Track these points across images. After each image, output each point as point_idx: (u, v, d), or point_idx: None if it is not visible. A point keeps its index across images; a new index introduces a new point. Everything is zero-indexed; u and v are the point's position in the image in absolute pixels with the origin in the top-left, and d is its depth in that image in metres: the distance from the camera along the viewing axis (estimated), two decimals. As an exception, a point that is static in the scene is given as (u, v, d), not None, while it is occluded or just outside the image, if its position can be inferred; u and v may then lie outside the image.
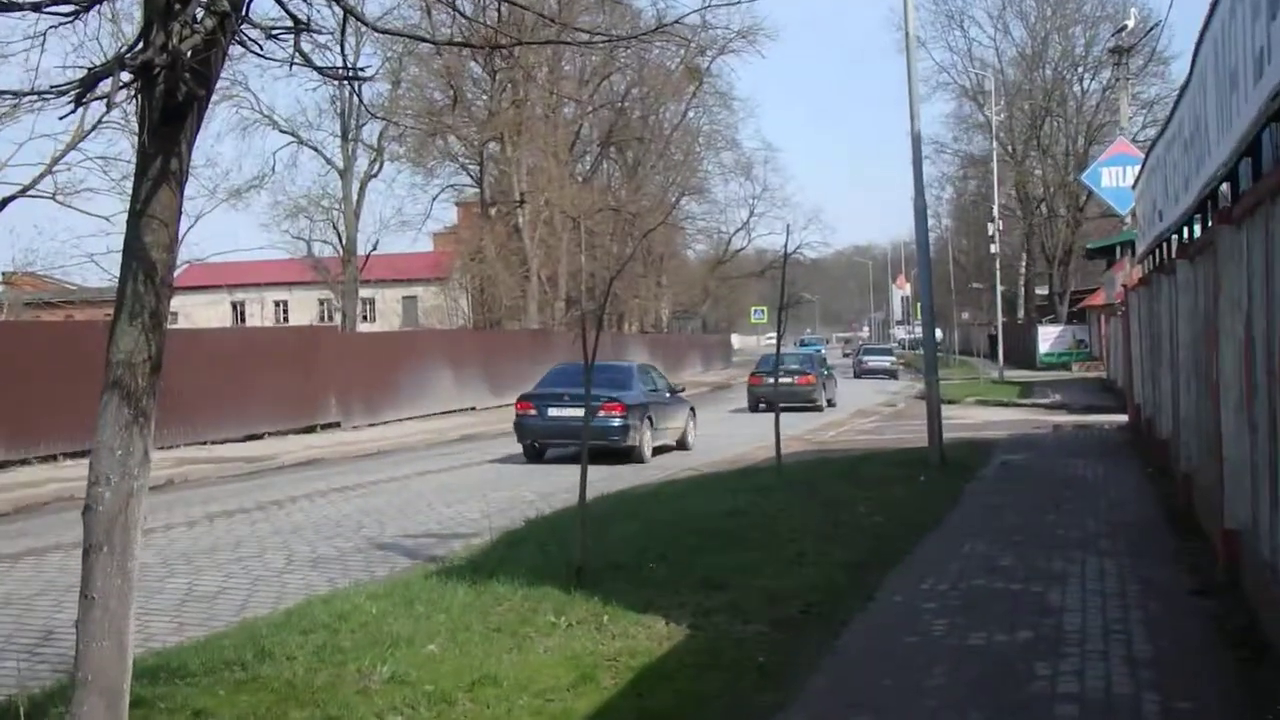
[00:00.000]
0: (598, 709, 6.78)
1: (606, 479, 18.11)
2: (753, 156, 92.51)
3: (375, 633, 8.31)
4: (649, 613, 8.97)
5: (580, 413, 21.81)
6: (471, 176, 55.92)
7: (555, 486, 17.99)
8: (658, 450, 23.63)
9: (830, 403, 39.80)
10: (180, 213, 5.16)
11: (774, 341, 19.79)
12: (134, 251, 5.00)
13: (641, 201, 66.23)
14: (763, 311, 78.29)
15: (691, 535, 12.26)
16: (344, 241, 50.83)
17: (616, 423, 21.85)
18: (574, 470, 11.31)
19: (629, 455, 22.14)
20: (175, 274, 5.32)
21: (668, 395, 24.81)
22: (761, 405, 37.25)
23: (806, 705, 6.88)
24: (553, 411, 22.49)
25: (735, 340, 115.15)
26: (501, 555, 11.31)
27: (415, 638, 8.14)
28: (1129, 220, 29.61)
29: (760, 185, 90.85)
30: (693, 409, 26.25)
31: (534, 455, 23.40)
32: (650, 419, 23.04)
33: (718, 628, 8.67)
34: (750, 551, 11.46)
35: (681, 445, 25.10)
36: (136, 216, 5.02)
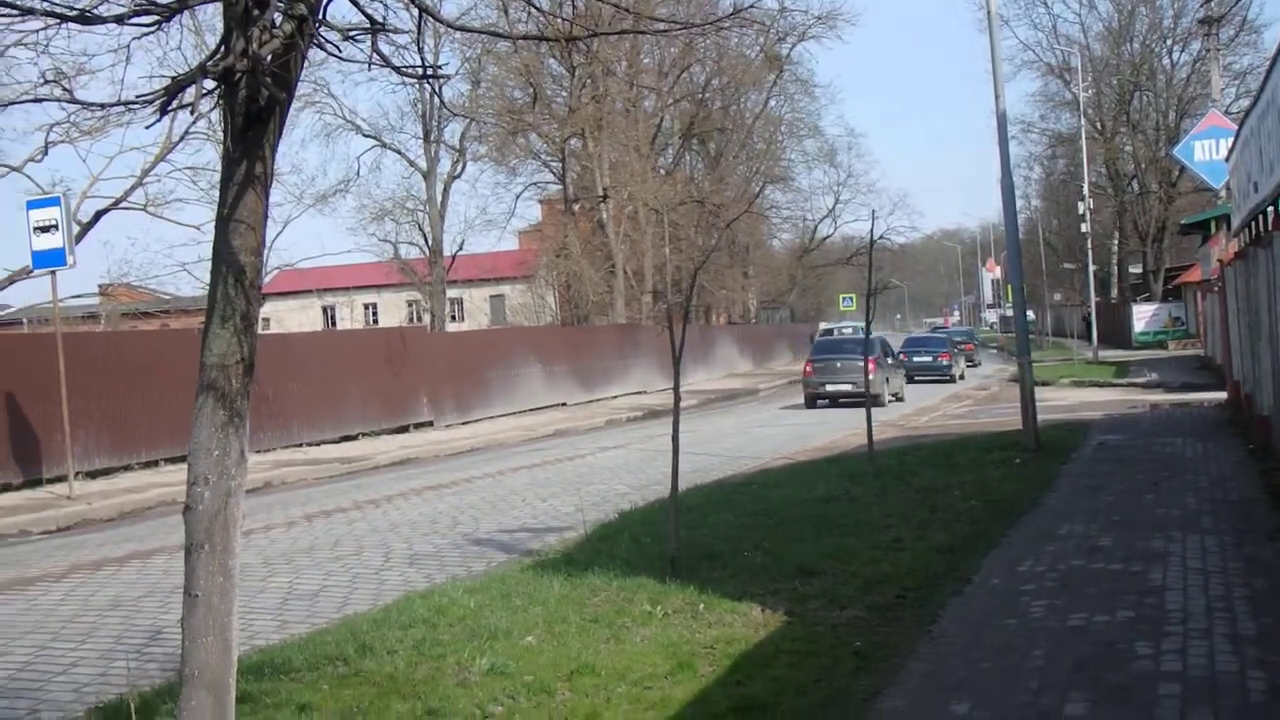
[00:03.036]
0: (695, 696, 6.79)
1: (699, 470, 18.11)
2: (836, 143, 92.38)
3: (473, 626, 8.39)
4: (744, 600, 8.97)
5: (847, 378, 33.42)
6: (554, 173, 56.10)
7: (648, 479, 18.03)
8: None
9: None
10: (266, 216, 5.22)
11: (843, 328, 19.78)
12: (223, 256, 5.07)
13: (725, 192, 66.13)
14: (851, 299, 77.79)
15: (785, 523, 12.24)
16: (430, 242, 51.19)
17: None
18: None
19: (876, 401, 30.55)
20: (266, 280, 5.40)
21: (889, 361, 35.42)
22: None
23: (905, 690, 6.85)
24: (828, 372, 34.71)
25: (824, 329, 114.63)
26: (596, 547, 11.36)
27: (513, 630, 8.21)
28: (1223, 194, 29.06)
29: (844, 172, 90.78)
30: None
31: (812, 404, 34.93)
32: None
33: (814, 614, 8.65)
34: (845, 538, 11.41)
35: (898, 397, 35.84)
36: (224, 222, 5.10)
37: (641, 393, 44.27)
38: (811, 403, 35.02)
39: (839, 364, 34.56)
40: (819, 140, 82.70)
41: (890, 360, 36.06)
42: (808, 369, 35.70)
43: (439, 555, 12.89)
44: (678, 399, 10.75)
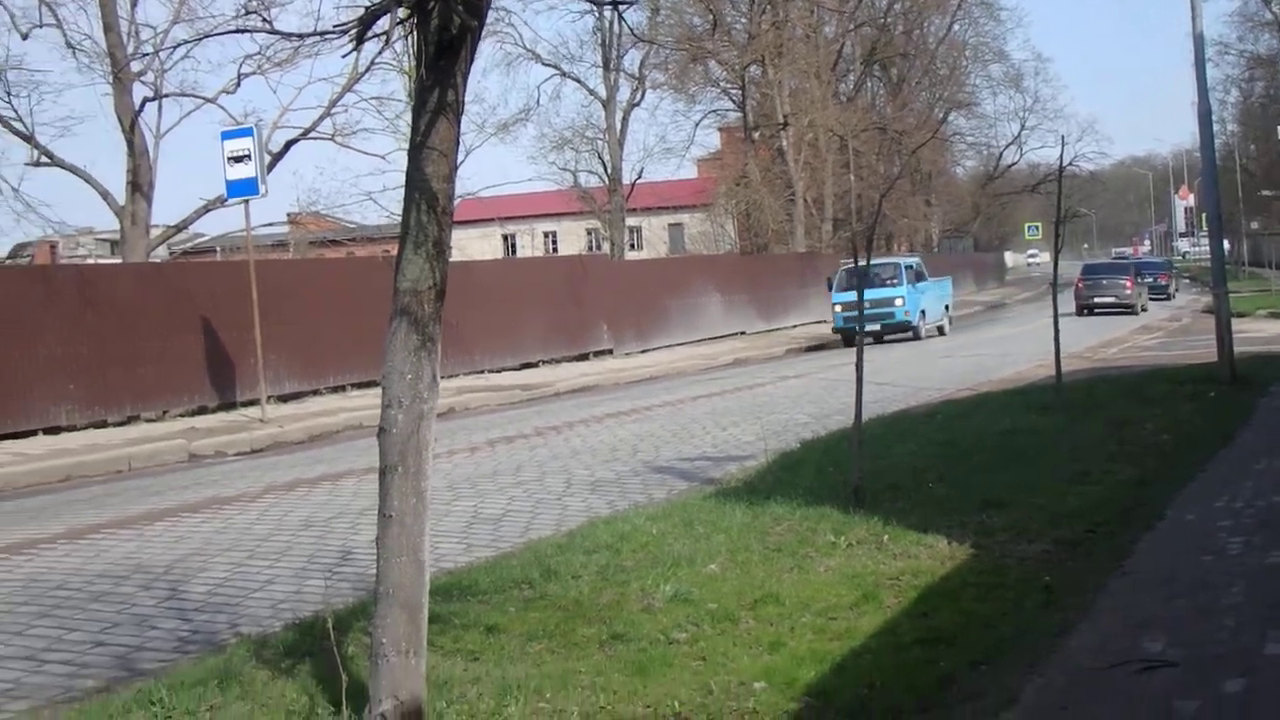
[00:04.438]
0: (881, 628, 6.73)
1: (881, 401, 17.92)
2: (1022, 68, 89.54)
3: (656, 553, 8.44)
4: (930, 532, 8.86)
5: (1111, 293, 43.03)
6: (733, 101, 55.75)
7: (829, 409, 17.91)
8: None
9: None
10: (458, 144, 5.26)
11: (1036, 259, 19.46)
12: (415, 183, 5.12)
13: (907, 119, 65.01)
14: (1036, 228, 76.05)
15: (970, 454, 12.04)
16: (609, 171, 51.35)
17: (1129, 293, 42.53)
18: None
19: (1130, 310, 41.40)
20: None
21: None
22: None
23: (1096, 625, 6.68)
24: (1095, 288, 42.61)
25: (1008, 258, 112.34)
26: (777, 477, 11.32)
27: (696, 557, 8.23)
28: None
29: (1031, 97, 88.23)
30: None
31: (1082, 312, 41.43)
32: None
33: (1001, 547, 8.50)
34: (1030, 471, 11.17)
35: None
36: (417, 149, 5.14)
37: (821, 322, 43.90)
38: (1081, 311, 41.99)
39: (1104, 282, 43.56)
40: (1004, 65, 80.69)
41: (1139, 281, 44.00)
42: (1079, 285, 43.87)
43: (620, 482, 12.97)
44: (861, 327, 10.63)
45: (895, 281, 35.50)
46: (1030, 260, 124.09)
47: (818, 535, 8.84)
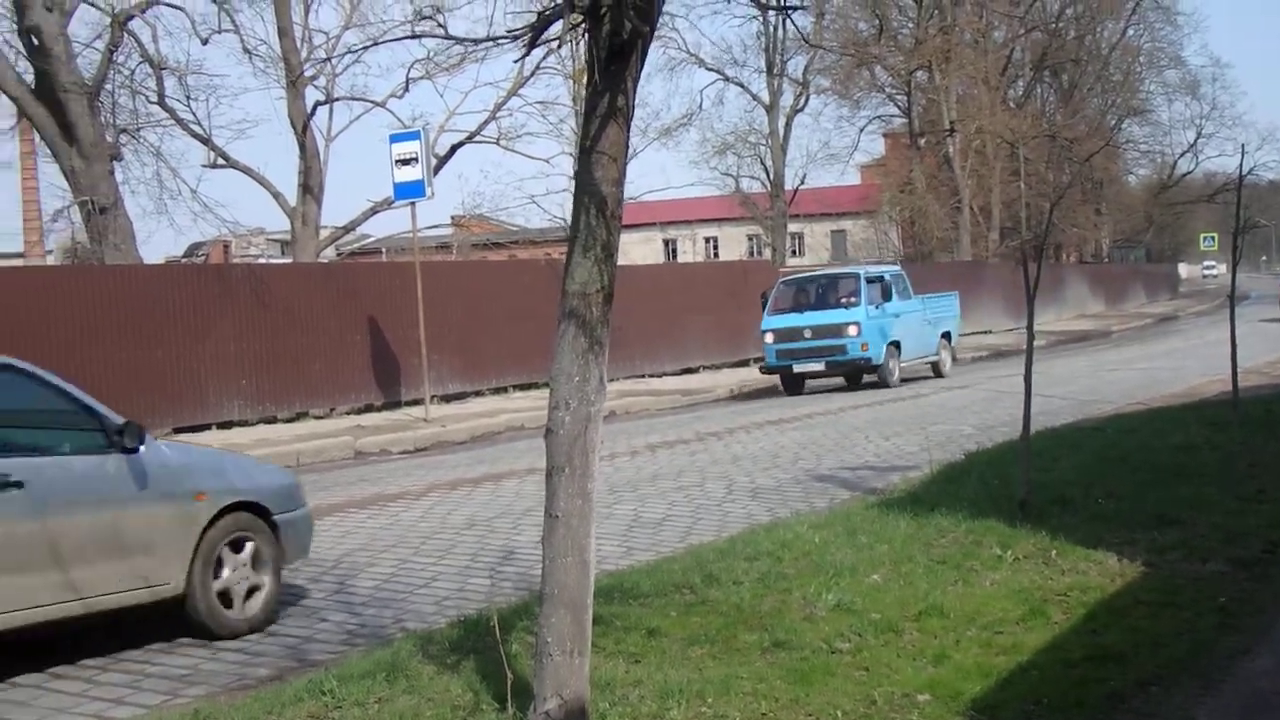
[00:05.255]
0: (1049, 643, 6.59)
1: (1048, 413, 17.57)
2: (1199, 74, 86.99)
3: (818, 561, 8.38)
4: (1099, 548, 8.64)
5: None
6: (899, 107, 55.19)
7: (995, 420, 17.61)
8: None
9: None
10: (627, 148, 5.29)
11: (1213, 271, 18.65)
12: (585, 186, 5.16)
13: (1078, 126, 63.62)
14: (1213, 239, 73.79)
15: (1140, 470, 11.72)
16: (771, 176, 51.22)
17: None
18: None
19: None
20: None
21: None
22: None
23: (1275, 649, 6.47)
24: None
25: (1182, 270, 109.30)
26: (942, 488, 11.15)
27: (858, 567, 8.16)
28: None
29: (1208, 104, 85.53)
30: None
31: None
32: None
33: (1172, 565, 8.25)
34: (1205, 488, 10.82)
35: None
36: (587, 153, 5.18)
37: (986, 332, 43.23)
38: None
39: None
40: (1180, 71, 78.37)
41: None
42: None
43: (781, 490, 12.92)
44: (1031, 338, 10.42)
45: (852, 301, 25.93)
46: (1206, 272, 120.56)
47: (983, 548, 8.69)
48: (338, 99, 30.43)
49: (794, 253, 65.23)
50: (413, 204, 20.92)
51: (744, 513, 11.67)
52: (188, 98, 28.54)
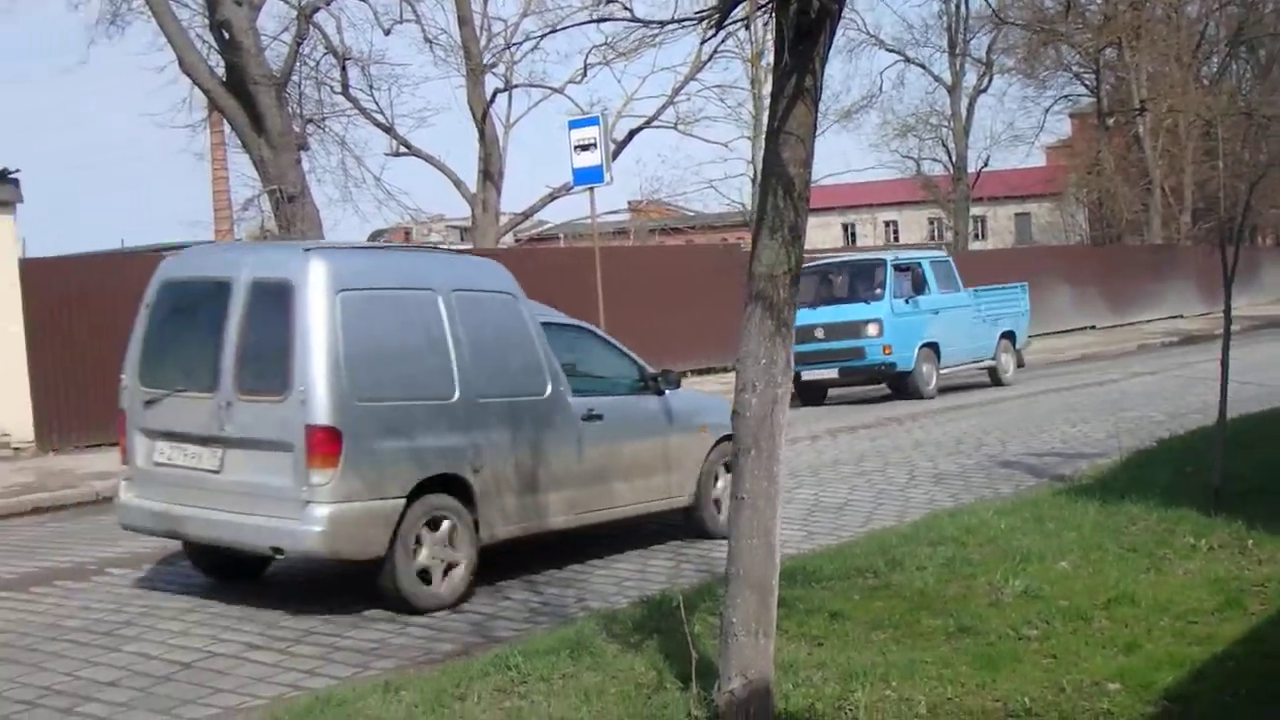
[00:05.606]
0: (1245, 635, 6.39)
1: (1244, 400, 16.97)
2: None
3: (1004, 547, 8.26)
4: (1298, 539, 8.35)
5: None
6: (1086, 86, 53.76)
7: (1185, 407, 17.11)
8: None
9: None
10: (815, 129, 5.25)
11: None
12: (772, 168, 5.15)
13: (1277, 103, 61.26)
14: None
15: (1345, 459, 11.28)
16: (953, 159, 50.40)
17: None
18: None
19: None
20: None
21: None
22: None
23: None
24: None
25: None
26: (1132, 475, 10.87)
27: (1046, 554, 8.02)
28: None
29: None
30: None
31: None
32: None
33: (1384, 559, 7.94)
34: None
35: None
36: (774, 134, 5.17)
37: (1177, 317, 41.95)
38: None
39: None
40: (1388, 43, 75.08)
41: None
42: None
43: (964, 475, 12.77)
44: (1228, 322, 10.09)
45: (875, 294, 21.33)
46: None
47: (1176, 537, 8.46)
48: (516, 86, 30.83)
49: (976, 236, 64.10)
50: (591, 189, 21.04)
51: (926, 498, 11.56)
52: (371, 87, 29.23)
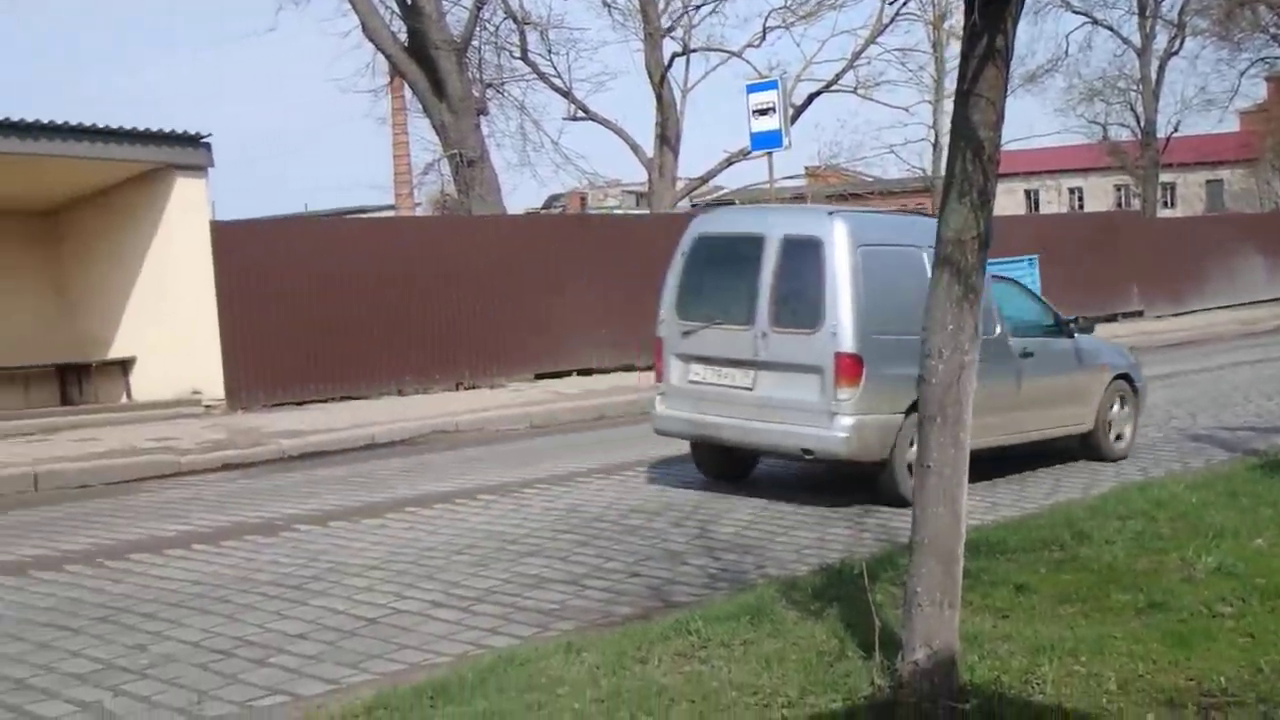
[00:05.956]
0: None
1: None
2: None
3: (1195, 523, 8.05)
4: None
5: None
6: (1284, 47, 51.75)
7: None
8: None
9: None
10: (1006, 91, 5.12)
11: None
12: (961, 130, 5.04)
13: None
14: None
15: None
16: (1142, 124, 48.90)
17: None
18: None
19: None
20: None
21: None
22: None
23: None
24: None
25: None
26: (1334, 450, 10.51)
27: (1240, 530, 7.79)
28: None
29: None
30: None
31: None
32: None
33: None
34: None
35: None
36: (964, 96, 5.05)
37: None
38: None
39: None
40: None
41: None
42: None
43: (1153, 449, 12.48)
44: None
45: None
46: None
47: (1382, 515, 8.13)
48: (695, 50, 30.67)
49: (1165, 204, 62.21)
50: (769, 154, 20.89)
51: (1113, 471, 11.35)
52: (549, 52, 29.43)
